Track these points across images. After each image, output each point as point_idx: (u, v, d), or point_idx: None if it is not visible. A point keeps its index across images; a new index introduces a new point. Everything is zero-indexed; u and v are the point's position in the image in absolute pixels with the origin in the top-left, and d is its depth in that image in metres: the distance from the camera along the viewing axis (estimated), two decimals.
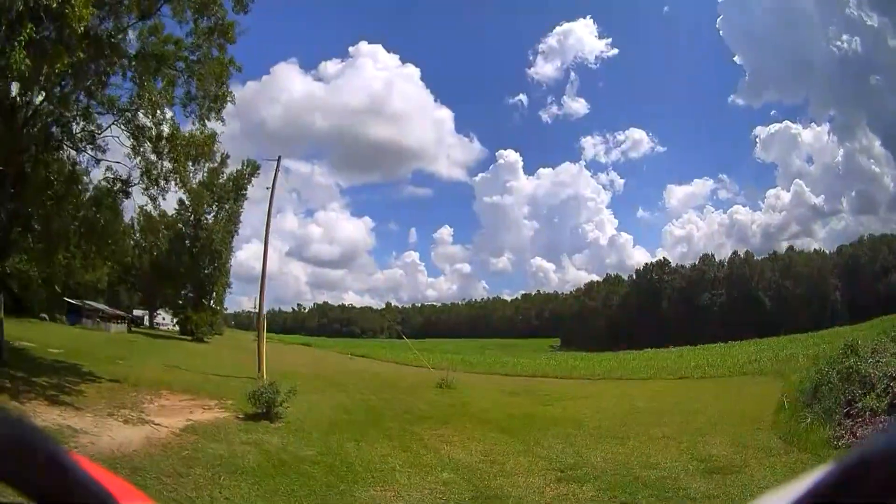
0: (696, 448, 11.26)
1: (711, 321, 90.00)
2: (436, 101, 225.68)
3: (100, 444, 11.47)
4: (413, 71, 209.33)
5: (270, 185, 29.57)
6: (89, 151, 20.72)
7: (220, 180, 70.85)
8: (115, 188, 22.15)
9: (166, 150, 20.20)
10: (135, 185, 21.92)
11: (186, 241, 69.90)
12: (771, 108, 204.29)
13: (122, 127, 19.94)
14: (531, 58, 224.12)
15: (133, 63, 19.26)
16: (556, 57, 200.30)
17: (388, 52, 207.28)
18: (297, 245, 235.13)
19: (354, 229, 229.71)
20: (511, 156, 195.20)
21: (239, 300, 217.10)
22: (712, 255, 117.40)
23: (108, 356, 26.40)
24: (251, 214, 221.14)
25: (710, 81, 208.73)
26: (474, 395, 23.77)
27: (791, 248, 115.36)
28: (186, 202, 68.90)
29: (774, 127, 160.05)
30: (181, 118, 21.29)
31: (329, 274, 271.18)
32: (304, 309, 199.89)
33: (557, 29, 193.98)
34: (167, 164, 20.68)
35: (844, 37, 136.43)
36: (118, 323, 68.35)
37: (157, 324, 74.85)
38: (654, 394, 23.25)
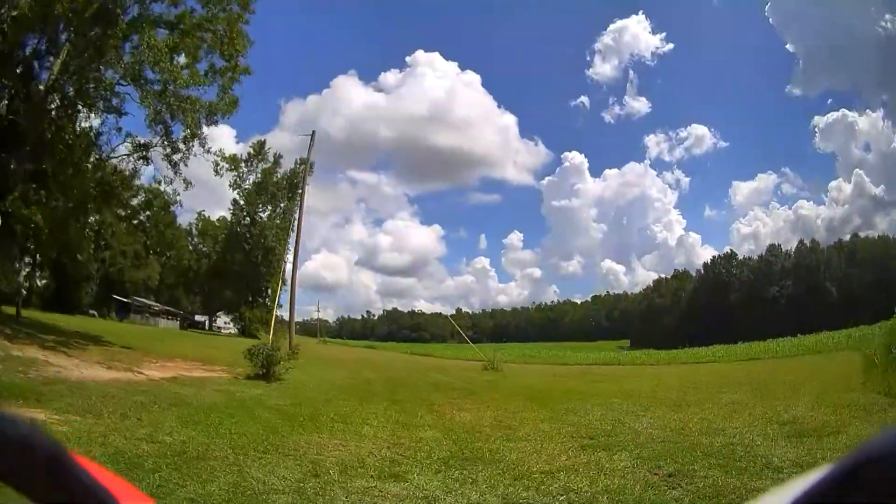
0: (775, 412, 8.94)
1: (779, 313, 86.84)
2: (499, 106, 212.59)
3: (65, 374, 11.17)
4: (473, 77, 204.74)
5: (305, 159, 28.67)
6: (101, 107, 20.37)
7: (275, 179, 72.04)
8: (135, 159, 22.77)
9: (176, 106, 19.56)
10: (155, 147, 21.64)
11: (242, 242, 70.20)
12: (827, 96, 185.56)
13: (127, 81, 19.56)
14: (588, 58, 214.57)
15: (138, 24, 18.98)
16: (612, 56, 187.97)
17: (447, 59, 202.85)
18: (366, 254, 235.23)
19: (424, 237, 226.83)
20: (576, 158, 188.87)
21: (308, 310, 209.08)
22: (779, 245, 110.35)
23: (141, 338, 26.13)
24: (320, 226, 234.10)
25: (765, 72, 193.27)
26: (520, 375, 21.89)
27: (856, 235, 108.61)
28: (241, 202, 71.20)
29: (832, 116, 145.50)
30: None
31: (399, 282, 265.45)
32: (374, 316, 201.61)
33: (611, 27, 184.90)
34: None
35: (888, 16, 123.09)
36: (170, 319, 69.33)
37: (219, 327, 74.26)
38: (721, 370, 20.84)
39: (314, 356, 26.77)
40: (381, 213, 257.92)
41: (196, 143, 21.33)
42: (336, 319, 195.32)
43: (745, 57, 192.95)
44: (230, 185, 71.67)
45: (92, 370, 12.44)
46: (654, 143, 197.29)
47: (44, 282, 58.61)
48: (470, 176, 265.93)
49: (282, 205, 71.83)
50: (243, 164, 71.39)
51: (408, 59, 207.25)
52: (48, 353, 13.48)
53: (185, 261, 74.55)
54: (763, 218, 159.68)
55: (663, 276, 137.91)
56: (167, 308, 71.92)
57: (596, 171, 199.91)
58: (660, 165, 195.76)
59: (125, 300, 63.27)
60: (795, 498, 0.45)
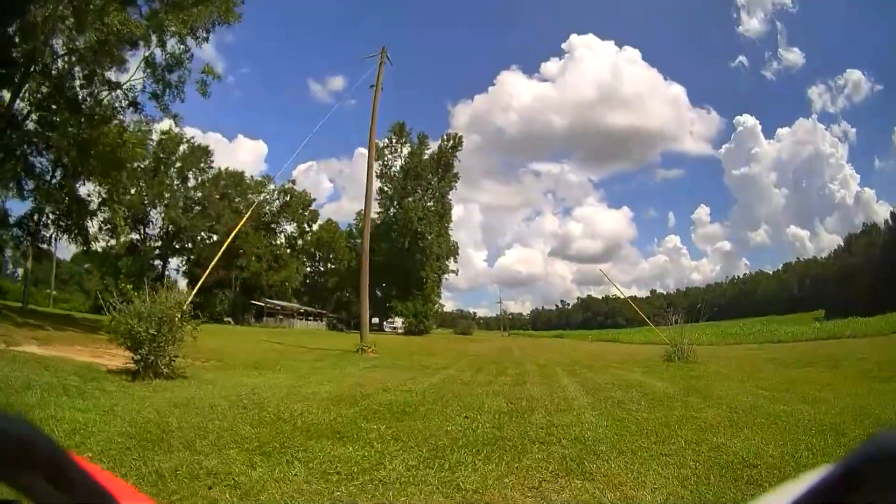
0: None
1: None
2: (665, 79, 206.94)
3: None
4: (633, 53, 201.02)
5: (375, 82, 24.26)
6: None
7: (422, 159, 69.11)
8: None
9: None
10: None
11: (389, 231, 67.87)
12: None
13: None
14: (735, 15, 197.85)
15: None
16: (756, 8, 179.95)
17: (602, 39, 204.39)
18: (559, 244, 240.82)
19: (614, 221, 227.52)
20: (748, 121, 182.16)
21: (506, 305, 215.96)
22: None
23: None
24: (511, 221, 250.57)
25: None
26: (722, 372, 14.69)
27: None
28: (387, 189, 68.36)
29: None
30: None
31: (593, 269, 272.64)
32: (569, 305, 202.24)
33: None
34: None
35: None
36: (311, 320, 68.70)
37: (395, 327, 72.24)
38: None
39: (397, 351, 22.60)
40: (569, 202, 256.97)
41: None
42: (531, 312, 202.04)
43: None
44: (377, 175, 71.34)
45: (59, 350, 12.59)
46: (817, 94, 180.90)
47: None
48: (650, 153, 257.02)
49: (434, 182, 68.79)
50: (386, 151, 69.97)
51: (563, 45, 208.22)
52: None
53: (344, 261, 74.44)
54: None
55: (849, 234, 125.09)
56: (307, 309, 72.03)
57: (768, 132, 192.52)
58: (826, 119, 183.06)
59: (259, 304, 63.92)
60: (795, 498, 0.46)
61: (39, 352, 12.16)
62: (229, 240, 19.96)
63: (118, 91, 21.89)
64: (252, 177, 68.66)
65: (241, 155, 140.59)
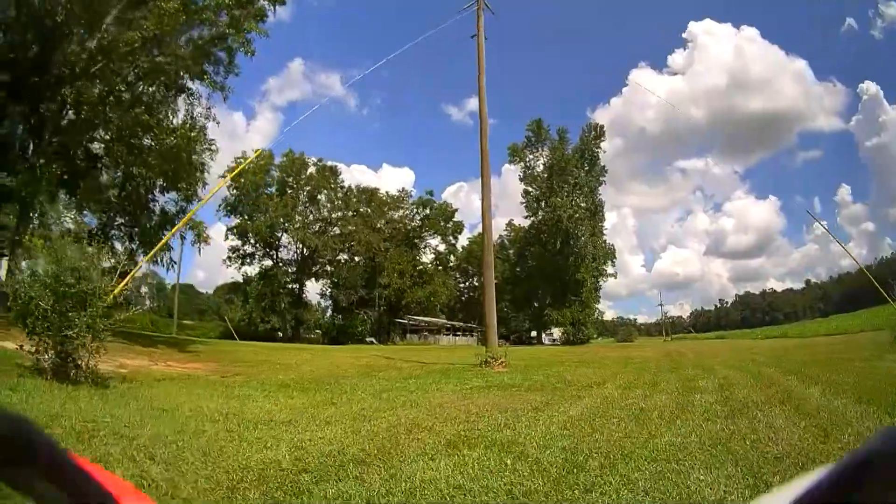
0: None
1: None
2: (787, 54, 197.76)
3: None
4: (751, 32, 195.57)
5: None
6: None
7: (564, 154, 62.83)
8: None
9: None
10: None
11: (539, 234, 62.43)
12: None
13: None
14: None
15: None
16: None
17: (719, 22, 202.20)
18: (713, 242, 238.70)
19: (763, 212, 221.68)
20: (870, 88, 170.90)
21: (665, 308, 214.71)
22: None
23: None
24: (664, 223, 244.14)
25: None
26: None
27: None
28: (532, 191, 63.40)
29: None
30: None
31: (747, 265, 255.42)
32: (726, 304, 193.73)
33: None
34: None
35: None
36: (459, 335, 64.94)
37: (554, 339, 66.83)
38: None
39: (534, 363, 16.99)
40: (718, 197, 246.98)
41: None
42: (690, 314, 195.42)
43: None
44: (520, 179, 66.99)
45: None
46: None
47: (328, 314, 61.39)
48: (786, 135, 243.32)
49: (581, 174, 62.31)
50: (526, 151, 65.41)
51: (684, 34, 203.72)
52: None
53: (496, 274, 69.70)
54: None
55: None
56: (453, 324, 68.45)
57: (892, 97, 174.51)
58: None
59: (403, 321, 61.37)
60: (796, 497, 0.45)
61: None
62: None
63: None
64: (387, 192, 66.76)
65: (390, 182, 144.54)
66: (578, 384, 9.86)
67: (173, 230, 14.49)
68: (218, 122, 23.10)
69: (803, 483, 0.44)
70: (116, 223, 23.37)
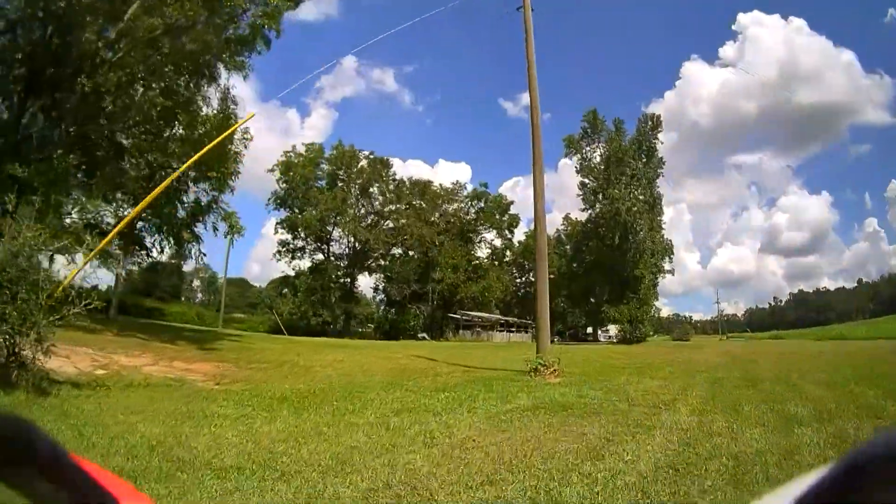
0: None
1: None
2: (835, 45, 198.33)
3: None
4: (800, 23, 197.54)
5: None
6: None
7: (621, 145, 60.25)
8: None
9: None
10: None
11: (597, 227, 60.10)
12: None
13: None
14: None
15: None
16: None
17: (767, 13, 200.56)
18: (767, 239, 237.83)
19: (816, 208, 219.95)
20: None
21: (723, 307, 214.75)
22: None
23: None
24: (718, 220, 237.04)
25: None
26: None
27: None
28: (589, 183, 61.20)
29: None
30: None
31: (801, 262, 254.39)
32: (781, 302, 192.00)
33: None
34: None
35: None
36: (514, 331, 63.18)
37: (610, 336, 64.77)
38: None
39: (593, 369, 14.46)
40: (772, 192, 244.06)
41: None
42: (745, 312, 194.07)
43: None
44: (576, 171, 64.26)
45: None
46: None
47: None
48: (837, 129, 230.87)
49: (639, 165, 59.83)
50: (582, 143, 63.06)
51: (733, 26, 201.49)
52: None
53: (553, 269, 67.71)
54: None
55: None
56: (508, 320, 66.96)
57: None
58: None
59: (455, 316, 60.27)
60: (796, 498, 0.45)
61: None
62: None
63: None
64: (440, 185, 65.31)
65: (447, 178, 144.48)
66: (644, 403, 7.94)
67: (114, 231, 13.25)
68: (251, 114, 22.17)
69: (803, 483, 0.44)
70: (143, 216, 22.47)
